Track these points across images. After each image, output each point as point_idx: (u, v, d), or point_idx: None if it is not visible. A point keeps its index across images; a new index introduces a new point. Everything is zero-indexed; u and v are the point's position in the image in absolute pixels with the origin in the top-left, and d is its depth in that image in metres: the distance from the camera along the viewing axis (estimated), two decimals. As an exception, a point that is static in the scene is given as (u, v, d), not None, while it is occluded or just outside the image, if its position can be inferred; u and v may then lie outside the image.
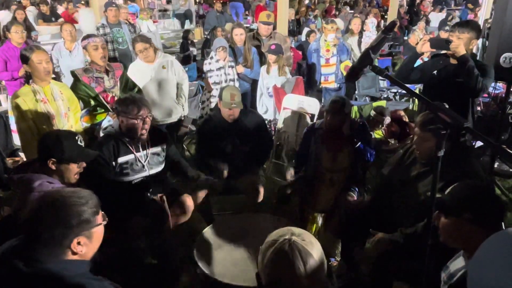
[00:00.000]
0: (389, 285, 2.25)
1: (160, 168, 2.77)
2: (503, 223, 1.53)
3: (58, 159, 2.04)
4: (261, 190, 3.05)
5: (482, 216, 1.47)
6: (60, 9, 10.00)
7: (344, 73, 5.03)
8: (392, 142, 4.49)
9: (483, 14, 7.64)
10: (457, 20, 10.13)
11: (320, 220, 3.17)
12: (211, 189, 2.96)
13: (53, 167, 2.04)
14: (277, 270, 1.22)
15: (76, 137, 2.13)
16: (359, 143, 2.86)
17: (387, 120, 4.64)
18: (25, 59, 2.73)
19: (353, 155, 2.92)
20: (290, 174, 3.09)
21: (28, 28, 5.46)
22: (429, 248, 1.59)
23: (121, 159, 2.57)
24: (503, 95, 4.29)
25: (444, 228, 1.57)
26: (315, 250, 1.23)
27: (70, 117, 2.96)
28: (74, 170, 2.10)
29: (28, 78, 2.81)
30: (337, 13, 12.26)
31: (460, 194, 1.55)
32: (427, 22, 11.26)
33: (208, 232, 2.52)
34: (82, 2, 8.64)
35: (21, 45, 4.52)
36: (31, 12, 9.05)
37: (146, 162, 2.67)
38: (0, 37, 5.71)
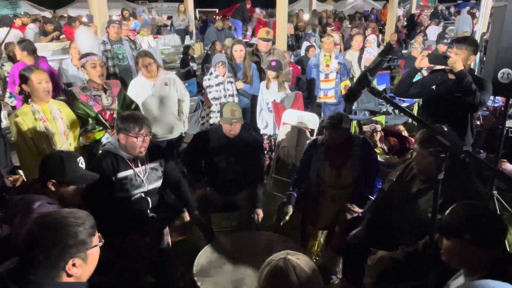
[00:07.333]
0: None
1: (158, 183, 2.76)
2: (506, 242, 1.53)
3: (59, 181, 2.03)
4: (260, 213, 3.00)
5: (483, 237, 1.48)
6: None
7: (343, 92, 5.07)
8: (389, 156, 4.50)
9: (480, 28, 7.68)
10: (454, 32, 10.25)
11: (321, 238, 3.14)
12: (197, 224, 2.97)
13: (53, 188, 2.03)
14: (273, 285, 1.27)
15: (78, 159, 2.12)
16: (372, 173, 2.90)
17: (378, 127, 4.66)
18: (24, 79, 2.74)
19: (357, 172, 2.91)
20: (288, 213, 2.90)
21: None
22: (431, 267, 1.59)
23: (120, 175, 2.57)
24: (502, 108, 4.30)
25: (446, 249, 1.57)
26: (309, 267, 1.29)
27: (69, 136, 2.96)
28: (73, 192, 2.09)
29: (26, 97, 2.81)
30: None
31: (460, 216, 1.55)
32: (425, 35, 11.36)
33: (208, 250, 2.49)
34: (91, 24, 8.63)
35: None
36: (31, 29, 9.13)
37: (145, 177, 2.66)
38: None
